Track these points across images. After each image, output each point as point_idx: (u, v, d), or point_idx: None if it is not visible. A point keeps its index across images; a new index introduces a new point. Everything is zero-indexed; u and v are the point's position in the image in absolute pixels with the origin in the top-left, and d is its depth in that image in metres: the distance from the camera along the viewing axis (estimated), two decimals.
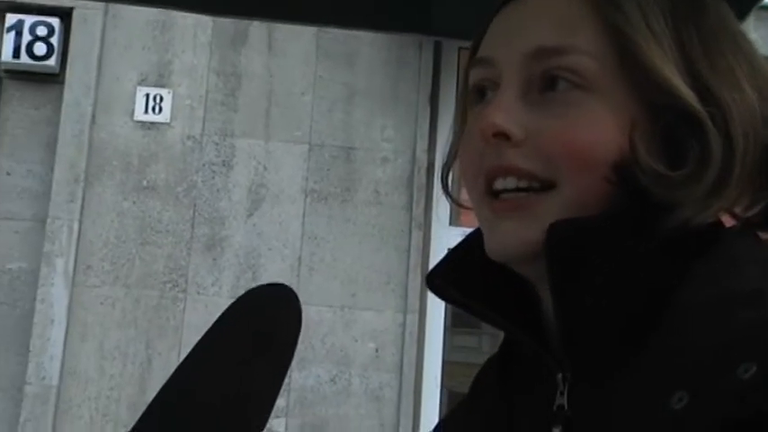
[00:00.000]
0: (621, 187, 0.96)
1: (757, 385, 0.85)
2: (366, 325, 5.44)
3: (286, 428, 5.23)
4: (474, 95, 1.06)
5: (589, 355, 0.99)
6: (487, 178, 1.00)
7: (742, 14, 2.02)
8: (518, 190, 0.98)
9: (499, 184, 0.99)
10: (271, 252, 5.53)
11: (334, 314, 5.37)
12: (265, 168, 5.64)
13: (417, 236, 5.50)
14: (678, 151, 0.97)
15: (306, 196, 5.62)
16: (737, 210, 1.00)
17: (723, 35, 1.01)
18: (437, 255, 5.14)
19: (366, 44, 5.55)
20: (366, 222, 5.54)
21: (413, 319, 5.46)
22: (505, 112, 0.99)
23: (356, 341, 5.43)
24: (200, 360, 0.93)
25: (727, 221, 1.00)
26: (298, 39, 5.59)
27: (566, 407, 1.01)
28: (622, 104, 0.98)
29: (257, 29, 5.61)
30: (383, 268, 5.45)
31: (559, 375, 1.02)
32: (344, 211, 5.58)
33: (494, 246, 1.01)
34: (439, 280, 1.09)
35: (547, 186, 0.98)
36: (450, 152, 1.13)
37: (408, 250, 5.47)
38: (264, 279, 5.42)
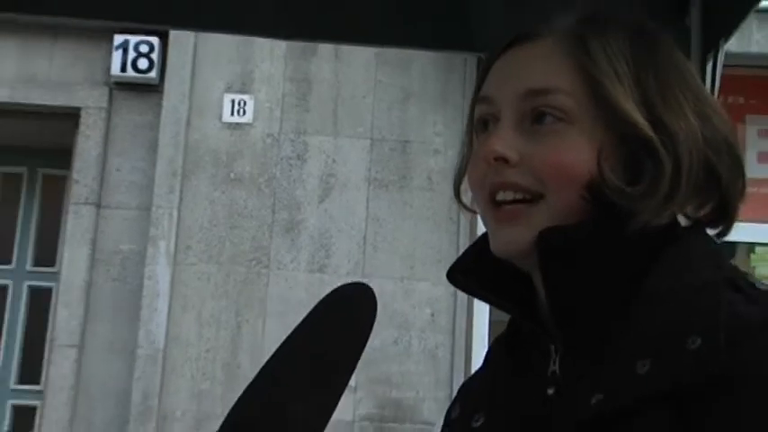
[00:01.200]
0: (593, 200, 1.01)
1: (701, 354, 0.91)
2: (422, 294, 5.43)
3: (356, 382, 5.23)
4: (479, 126, 1.10)
5: (573, 331, 1.04)
6: (491, 192, 1.05)
7: (727, 32, 2.03)
8: (514, 201, 1.03)
9: (500, 196, 1.04)
10: (340, 233, 5.53)
11: (395, 285, 5.39)
12: (334, 161, 5.65)
13: (465, 218, 5.46)
14: (636, 170, 1.01)
15: (369, 184, 5.62)
16: (689, 211, 1.06)
17: (674, 74, 1.06)
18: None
19: (419, 53, 5.42)
20: (421, 206, 5.53)
21: None
22: (504, 141, 1.04)
23: (414, 308, 5.44)
24: (298, 347, 0.89)
25: (683, 221, 1.06)
26: (360, 49, 5.47)
27: (557, 372, 1.05)
28: (594, 133, 1.02)
29: None
30: (436, 246, 5.43)
31: (552, 347, 1.06)
32: (402, 197, 5.59)
33: (497, 247, 1.06)
34: (458, 274, 1.13)
35: (537, 197, 1.02)
36: (459, 169, 1.15)
37: (458, 231, 5.44)
38: (335, 256, 5.50)
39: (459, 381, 5.29)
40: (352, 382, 5.42)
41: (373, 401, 5.37)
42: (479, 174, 1.07)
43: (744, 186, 1.08)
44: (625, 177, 1.01)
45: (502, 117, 1.06)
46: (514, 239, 1.03)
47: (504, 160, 1.03)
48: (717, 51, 1.97)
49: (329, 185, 5.64)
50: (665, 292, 0.99)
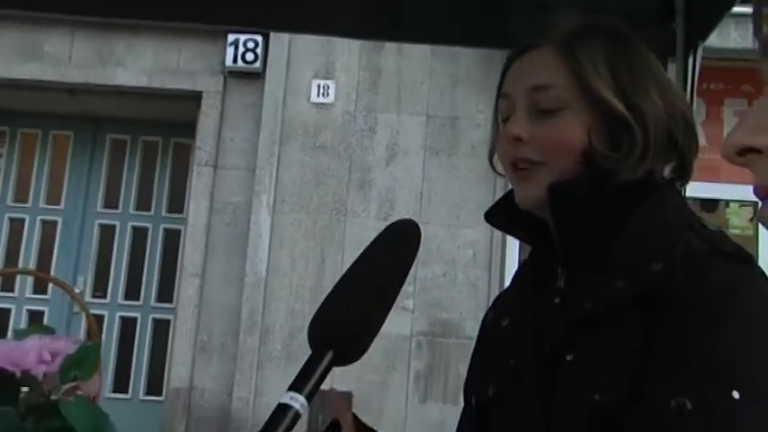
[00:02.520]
0: (586, 164, 1.06)
1: (661, 274, 0.96)
2: (466, 237, 5.42)
3: (414, 305, 5.29)
4: (503, 112, 1.14)
5: (574, 255, 1.08)
6: (512, 162, 1.10)
7: (704, 34, 1.99)
8: (528, 168, 1.09)
9: (519, 165, 1.10)
10: (401, 189, 5.54)
11: (444, 231, 5.38)
12: (398, 133, 5.65)
13: (501, 178, 5.46)
14: (616, 140, 1.06)
15: (425, 151, 5.61)
16: (661, 172, 1.10)
17: (642, 68, 1.10)
18: None
19: (465, 49, 5.20)
20: (465, 168, 5.49)
21: (498, 233, 5.26)
22: (518, 125, 1.09)
23: (459, 248, 5.44)
24: (364, 263, 0.87)
25: (658, 178, 1.10)
26: (418, 45, 5.31)
27: (562, 287, 1.09)
28: (584, 116, 1.07)
29: None
30: (477, 200, 5.34)
31: (559, 270, 1.10)
32: (450, 161, 5.57)
33: (519, 200, 1.11)
34: (493, 217, 1.19)
35: (542, 165, 1.08)
36: (491, 147, 1.19)
37: (494, 188, 5.26)
38: (397, 208, 5.46)
39: None
40: (410, 306, 5.42)
41: (426, 321, 5.39)
42: (504, 150, 1.12)
43: (697, 148, 1.13)
44: (608, 146, 1.06)
45: (516, 108, 1.11)
46: (530, 194, 1.09)
47: (519, 140, 1.08)
48: (696, 49, 1.97)
49: (393, 152, 5.64)
50: (639, 229, 1.03)
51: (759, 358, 0.91)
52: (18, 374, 1.05)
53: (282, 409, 0.77)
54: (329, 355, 0.80)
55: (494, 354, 1.16)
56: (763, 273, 0.98)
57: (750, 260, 0.98)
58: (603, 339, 0.98)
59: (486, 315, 1.25)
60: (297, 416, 0.77)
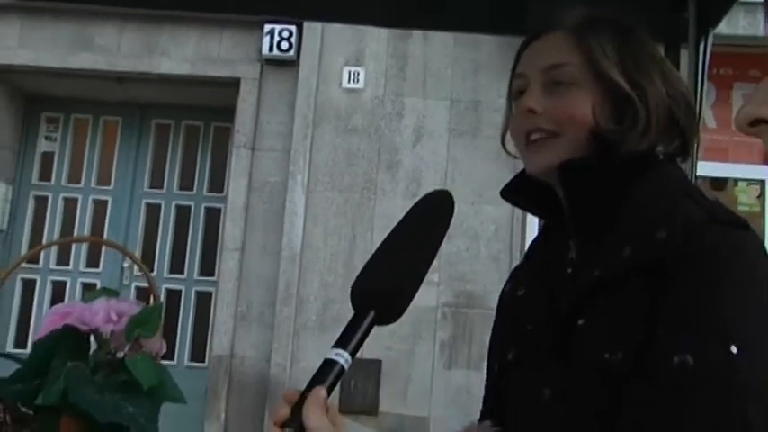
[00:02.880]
0: (594, 139, 1.09)
1: (666, 242, 0.97)
2: (488, 213, 5.39)
3: (439, 278, 5.29)
4: (516, 94, 1.17)
5: (584, 227, 1.10)
6: (526, 134, 1.13)
7: (715, 22, 2.01)
8: (541, 138, 1.11)
9: (533, 136, 1.12)
10: (428, 169, 5.52)
11: (468, 207, 5.32)
12: (424, 116, 5.61)
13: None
14: (622, 116, 1.09)
15: (449, 134, 5.58)
16: (663, 148, 1.11)
17: (644, 55, 1.13)
18: None
19: (487, 37, 5.17)
20: (487, 150, 5.43)
21: (518, 210, 5.40)
22: (533, 99, 1.12)
23: (482, 224, 5.40)
24: (403, 229, 0.89)
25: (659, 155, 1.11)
26: (442, 33, 5.31)
27: (574, 258, 1.11)
28: (592, 92, 1.10)
29: None
30: (499, 178, 5.17)
31: (571, 242, 1.13)
32: (474, 143, 5.52)
33: (531, 169, 1.13)
34: (508, 193, 1.21)
35: (555, 135, 1.10)
36: (504, 125, 1.21)
37: (514, 168, 5.38)
38: (424, 186, 5.38)
39: None
40: (435, 278, 5.39)
41: (451, 292, 5.38)
42: (518, 123, 1.15)
43: (697, 127, 1.16)
44: (614, 120, 1.09)
45: (531, 85, 1.13)
46: (543, 162, 1.11)
47: (533, 112, 1.11)
48: (707, 36, 1.98)
49: (420, 134, 5.62)
50: (643, 199, 1.05)
51: (754, 315, 0.93)
52: (88, 332, 1.10)
53: (329, 363, 0.81)
54: (371, 315, 0.83)
55: (512, 322, 1.18)
56: (756, 237, 0.99)
57: (745, 225, 1.00)
58: (612, 304, 0.99)
59: (503, 288, 1.26)
60: (342, 370, 0.81)
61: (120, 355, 1.13)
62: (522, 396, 1.11)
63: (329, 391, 0.79)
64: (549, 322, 1.07)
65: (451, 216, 0.93)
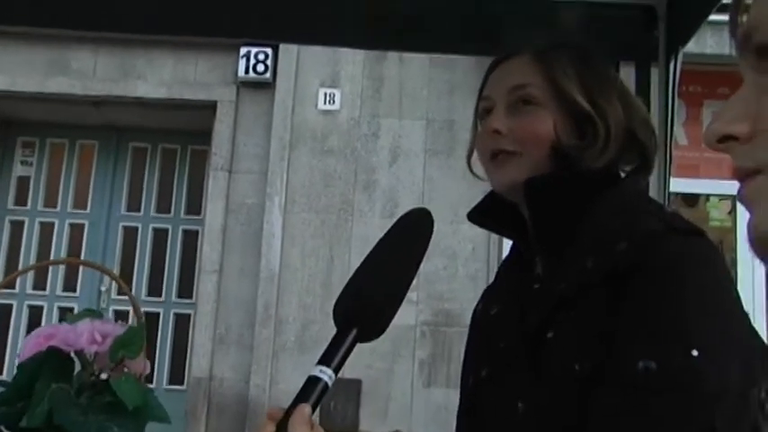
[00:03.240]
0: (555, 156, 1.12)
1: (626, 253, 0.99)
2: (466, 233, 5.36)
3: (417, 297, 5.27)
4: (482, 114, 1.20)
5: (547, 242, 1.12)
6: (492, 152, 1.16)
7: (684, 40, 1.99)
8: (504, 157, 1.14)
9: (497, 155, 1.15)
10: (405, 189, 5.53)
11: (445, 226, 5.25)
12: (399, 136, 5.62)
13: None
14: (582, 134, 1.12)
15: (425, 153, 5.59)
16: (623, 167, 1.15)
17: (605, 77, 1.17)
18: None
19: (461, 57, 5.15)
20: (463, 169, 5.12)
21: None
22: (498, 120, 1.15)
23: (459, 243, 5.39)
24: (384, 247, 0.89)
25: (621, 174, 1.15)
26: (417, 55, 5.39)
27: (540, 273, 1.14)
28: (554, 112, 1.13)
29: None
30: (475, 197, 5.19)
31: (537, 258, 1.15)
32: (449, 163, 5.52)
33: (496, 185, 1.17)
34: (475, 217, 1.26)
35: (518, 154, 1.13)
36: (471, 144, 1.26)
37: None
38: (401, 206, 5.33)
39: None
40: (414, 297, 5.36)
41: (430, 311, 5.38)
42: (484, 143, 1.18)
43: (656, 146, 1.18)
44: (574, 137, 1.12)
45: (496, 106, 1.17)
46: (507, 177, 1.14)
47: (498, 132, 1.15)
48: (677, 54, 2.00)
49: (396, 154, 5.63)
50: (603, 214, 1.07)
51: (713, 319, 0.95)
52: (72, 354, 1.10)
53: (313, 381, 0.81)
54: (354, 332, 0.84)
55: (486, 340, 1.19)
56: (712, 244, 1.02)
57: (701, 234, 1.02)
58: (578, 315, 1.01)
59: (475, 307, 1.28)
60: (326, 387, 0.82)
61: (103, 376, 1.13)
62: (496, 411, 1.11)
63: (314, 408, 0.80)
64: (520, 338, 1.08)
65: (431, 233, 0.94)
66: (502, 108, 1.16)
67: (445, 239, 5.40)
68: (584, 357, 0.98)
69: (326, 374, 0.81)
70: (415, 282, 0.87)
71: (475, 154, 1.24)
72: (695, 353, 0.91)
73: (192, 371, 5.47)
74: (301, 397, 0.80)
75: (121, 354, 1.11)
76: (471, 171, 1.26)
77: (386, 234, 0.93)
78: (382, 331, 0.86)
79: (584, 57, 1.19)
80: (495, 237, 5.37)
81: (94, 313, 1.16)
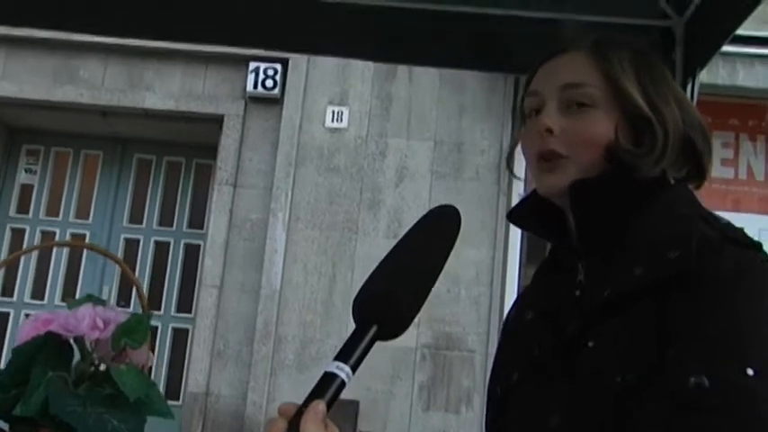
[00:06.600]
0: (608, 160, 1.06)
1: (679, 261, 0.95)
2: (470, 257, 5.35)
3: (419, 320, 5.19)
4: (530, 112, 1.14)
5: (593, 246, 1.07)
6: (539, 153, 1.09)
7: (702, 63, 2.03)
8: (553, 160, 1.08)
9: (545, 156, 1.09)
10: (410, 209, 5.51)
11: None
12: (406, 156, 5.62)
13: (503, 200, 5.43)
14: (639, 138, 1.06)
15: (432, 175, 5.59)
16: (675, 173, 1.09)
17: (661, 79, 1.11)
18: None
19: (470, 76, 5.49)
20: (470, 191, 5.46)
21: (499, 253, 5.40)
22: (551, 118, 1.08)
23: (463, 267, 5.35)
24: (408, 243, 0.85)
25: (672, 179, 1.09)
26: (427, 73, 5.54)
27: (582, 280, 1.08)
28: (612, 114, 1.07)
29: (402, 68, 5.59)
30: (480, 221, 5.36)
31: (579, 264, 1.09)
32: (456, 184, 5.54)
33: (542, 189, 1.11)
34: (513, 216, 1.18)
35: (567, 158, 1.07)
36: (512, 143, 1.19)
37: (497, 210, 5.40)
38: (405, 228, 5.26)
39: (495, 321, 5.29)
40: (415, 320, 5.45)
41: (431, 334, 5.35)
42: (532, 141, 1.11)
43: (710, 154, 1.12)
44: (632, 142, 1.06)
45: (546, 103, 1.10)
46: (554, 183, 1.08)
47: (550, 131, 1.08)
48: (695, 77, 2.00)
49: (402, 175, 5.63)
50: (654, 221, 1.03)
51: None
52: (71, 340, 1.07)
53: (329, 377, 0.75)
54: (373, 329, 0.78)
55: (519, 347, 1.15)
56: None
57: (757, 246, 0.98)
58: (623, 324, 0.96)
59: (508, 314, 1.24)
60: (342, 384, 0.76)
61: (103, 366, 1.10)
62: (528, 421, 1.07)
63: (329, 406, 0.74)
64: (556, 345, 1.04)
65: (459, 228, 0.90)
66: (554, 106, 1.10)
67: (449, 262, 5.31)
68: (627, 369, 0.94)
69: (344, 371, 0.75)
70: None
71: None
72: (750, 372, 0.86)
73: (188, 386, 5.44)
74: (316, 393, 0.74)
75: (124, 342, 1.07)
76: (510, 171, 1.21)
77: (409, 230, 0.89)
78: (403, 330, 0.80)
79: (639, 54, 1.13)
80: (499, 261, 5.40)
81: (97, 299, 1.13)
